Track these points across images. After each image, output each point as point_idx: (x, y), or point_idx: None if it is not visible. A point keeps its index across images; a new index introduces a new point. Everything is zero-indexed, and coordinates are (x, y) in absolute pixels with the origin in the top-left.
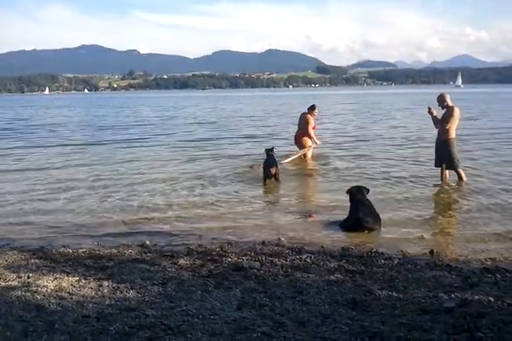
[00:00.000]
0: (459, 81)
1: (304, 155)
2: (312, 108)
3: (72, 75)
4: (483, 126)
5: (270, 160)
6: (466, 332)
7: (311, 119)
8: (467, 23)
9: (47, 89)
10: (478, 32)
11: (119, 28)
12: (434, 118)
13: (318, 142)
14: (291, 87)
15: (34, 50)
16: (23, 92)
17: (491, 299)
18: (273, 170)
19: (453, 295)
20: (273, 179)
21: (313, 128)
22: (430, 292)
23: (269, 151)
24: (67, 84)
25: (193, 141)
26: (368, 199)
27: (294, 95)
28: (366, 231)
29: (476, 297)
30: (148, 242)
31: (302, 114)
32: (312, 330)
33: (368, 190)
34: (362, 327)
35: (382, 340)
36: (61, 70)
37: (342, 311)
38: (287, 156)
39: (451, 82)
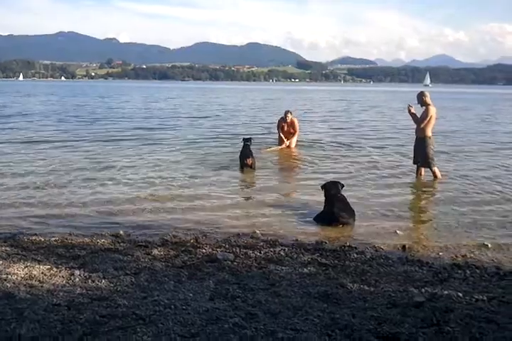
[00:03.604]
0: (428, 80)
1: (289, 145)
2: (284, 113)
3: (49, 62)
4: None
5: (246, 151)
6: (434, 326)
7: (281, 122)
8: (445, 23)
9: (21, 75)
10: (457, 33)
11: (99, 16)
12: (413, 116)
13: (282, 145)
14: (271, 81)
15: (10, 35)
16: None
17: (460, 294)
18: (249, 161)
19: (423, 290)
20: (249, 168)
21: (284, 129)
22: (401, 286)
23: (246, 141)
24: (43, 71)
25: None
26: (342, 194)
27: (279, 90)
28: (340, 226)
29: (446, 292)
30: (122, 232)
31: None
32: (283, 322)
33: (342, 185)
34: (333, 319)
35: (352, 332)
36: (38, 57)
37: (314, 303)
38: (269, 147)
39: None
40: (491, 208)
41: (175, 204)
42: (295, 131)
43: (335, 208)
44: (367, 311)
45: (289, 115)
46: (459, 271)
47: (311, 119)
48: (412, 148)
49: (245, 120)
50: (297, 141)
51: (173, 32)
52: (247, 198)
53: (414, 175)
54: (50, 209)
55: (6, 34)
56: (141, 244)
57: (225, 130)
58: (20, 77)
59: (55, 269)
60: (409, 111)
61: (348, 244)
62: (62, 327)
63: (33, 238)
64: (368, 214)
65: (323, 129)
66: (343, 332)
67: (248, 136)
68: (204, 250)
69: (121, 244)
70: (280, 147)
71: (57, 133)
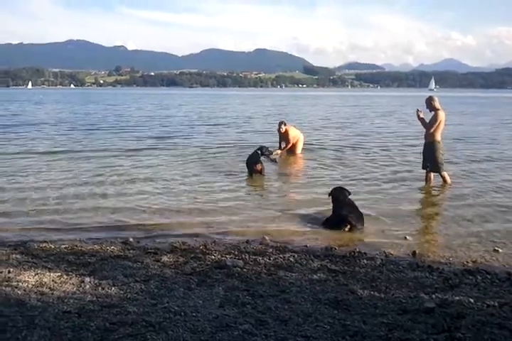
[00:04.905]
0: (432, 85)
1: (294, 151)
2: (278, 124)
3: (58, 70)
4: None
5: (255, 157)
6: (445, 332)
7: (278, 132)
8: (453, 27)
9: (29, 83)
10: (465, 37)
11: (107, 24)
12: (422, 121)
13: (277, 151)
14: (279, 87)
15: (20, 43)
16: (8, 86)
17: (471, 300)
18: (258, 167)
19: (434, 296)
20: (258, 174)
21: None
22: (411, 292)
23: (258, 150)
24: (52, 79)
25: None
26: (350, 199)
27: (288, 96)
28: (348, 226)
29: (457, 298)
30: (131, 239)
31: None
32: (294, 328)
33: (349, 192)
34: (343, 325)
35: (363, 339)
36: (47, 64)
37: (324, 310)
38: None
39: (438, 86)
40: (502, 213)
41: (184, 211)
42: (291, 140)
43: (344, 211)
44: (377, 317)
45: (282, 126)
46: (470, 277)
47: (324, 126)
48: (421, 153)
49: (257, 127)
50: (305, 147)
51: (180, 39)
52: (256, 204)
53: (424, 180)
54: (60, 216)
55: (16, 42)
56: (150, 250)
57: (236, 137)
58: (29, 85)
59: (65, 276)
60: (418, 116)
61: (357, 249)
62: (73, 334)
63: (43, 245)
64: (377, 220)
65: (333, 135)
66: (354, 338)
67: (264, 145)
68: (213, 257)
69: (131, 251)
70: (277, 152)
71: (69, 143)
